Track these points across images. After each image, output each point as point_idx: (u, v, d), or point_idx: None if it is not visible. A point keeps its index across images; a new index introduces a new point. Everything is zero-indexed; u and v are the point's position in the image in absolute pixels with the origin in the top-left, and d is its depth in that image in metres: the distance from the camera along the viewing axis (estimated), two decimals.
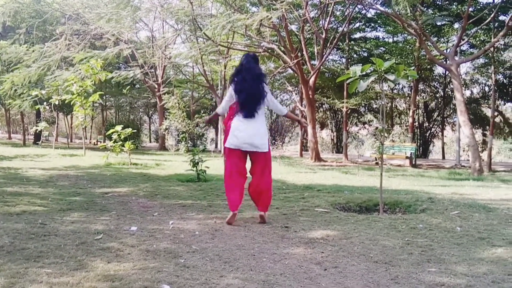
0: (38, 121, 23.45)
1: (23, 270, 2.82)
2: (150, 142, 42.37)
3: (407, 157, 17.12)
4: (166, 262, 3.12)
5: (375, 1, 17.98)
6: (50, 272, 2.81)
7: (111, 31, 14.67)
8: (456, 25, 19.14)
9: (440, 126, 28.20)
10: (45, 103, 18.66)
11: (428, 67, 22.99)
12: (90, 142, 33.11)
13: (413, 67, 19.66)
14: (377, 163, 16.84)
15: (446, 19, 17.52)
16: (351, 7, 17.56)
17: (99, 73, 14.35)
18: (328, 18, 17.19)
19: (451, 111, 27.14)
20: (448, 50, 19.46)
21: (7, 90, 15.09)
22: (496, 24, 16.30)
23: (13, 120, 44.16)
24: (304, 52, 16.92)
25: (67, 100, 15.00)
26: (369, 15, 21.47)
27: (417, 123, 27.54)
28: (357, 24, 21.68)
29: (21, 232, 3.79)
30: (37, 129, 21.63)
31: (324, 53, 17.27)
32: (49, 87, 16.15)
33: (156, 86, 24.16)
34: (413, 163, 17.13)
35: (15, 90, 15.90)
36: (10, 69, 16.00)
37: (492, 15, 14.18)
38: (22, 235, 3.69)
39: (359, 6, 17.54)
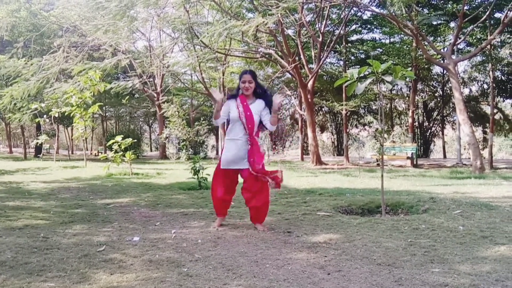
0: (38, 134, 23.52)
1: (26, 285, 2.81)
2: (151, 151, 42.40)
3: (408, 158, 17.10)
4: (169, 271, 3.11)
5: (371, 3, 18.03)
6: (53, 286, 2.81)
7: (109, 42, 14.74)
8: (452, 24, 19.17)
9: (440, 125, 28.20)
10: (45, 116, 18.74)
11: (426, 66, 23.02)
12: (91, 154, 33.12)
13: (410, 67, 19.69)
14: (378, 165, 16.83)
15: (442, 18, 17.56)
16: (346, 9, 17.62)
17: (98, 84, 14.41)
18: (324, 21, 17.24)
19: (451, 109, 27.14)
20: (445, 49, 19.50)
21: (7, 104, 15.14)
22: (492, 21, 16.33)
23: (14, 134, 44.26)
24: (302, 56, 16.97)
25: (66, 112, 15.05)
26: (365, 17, 21.54)
27: (417, 123, 27.55)
28: (354, 27, 21.72)
29: (24, 246, 3.79)
30: (37, 142, 21.69)
31: (321, 56, 17.31)
32: (48, 100, 16.21)
33: (155, 95, 24.21)
34: (414, 163, 17.11)
35: (15, 104, 15.97)
36: (9, 83, 16.05)
37: (487, 13, 14.21)
38: (24, 250, 3.68)
39: (354, 9, 17.59)
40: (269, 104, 4.51)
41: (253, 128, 4.49)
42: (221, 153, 4.65)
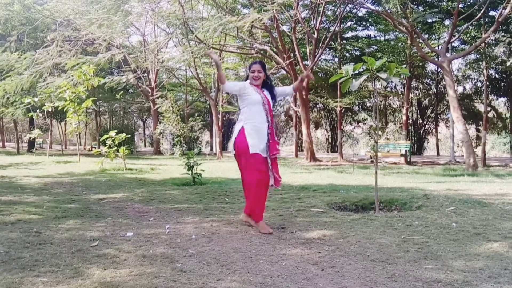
0: (31, 129, 23.37)
1: (18, 280, 2.79)
2: (145, 146, 42.27)
3: (401, 155, 17.16)
4: (163, 267, 3.11)
5: (366, 0, 18.03)
6: (46, 281, 2.79)
7: (103, 36, 14.64)
8: (446, 22, 19.22)
9: (434, 122, 28.30)
10: (38, 110, 18.58)
11: (420, 64, 23.07)
12: (84, 149, 32.98)
13: (405, 65, 19.73)
14: (372, 162, 16.87)
15: (437, 16, 17.59)
16: (342, 6, 17.60)
17: (91, 79, 14.32)
18: (320, 18, 17.21)
19: (444, 107, 27.25)
20: (440, 47, 19.52)
21: (0, 98, 15.00)
22: (487, 19, 16.38)
23: (7, 128, 43.96)
24: (297, 53, 16.93)
25: (60, 106, 14.95)
26: (360, 14, 21.56)
27: (411, 121, 27.64)
28: (349, 23, 21.74)
29: (16, 241, 3.77)
30: (30, 137, 21.54)
31: (316, 53, 17.29)
32: (41, 94, 16.09)
33: (150, 90, 24.11)
34: (408, 160, 17.17)
35: (8, 98, 15.84)
36: (2, 77, 15.91)
37: (482, 11, 14.25)
38: (17, 244, 3.66)
39: (350, 5, 17.58)
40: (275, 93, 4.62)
41: (272, 116, 4.47)
42: (238, 140, 4.36)
